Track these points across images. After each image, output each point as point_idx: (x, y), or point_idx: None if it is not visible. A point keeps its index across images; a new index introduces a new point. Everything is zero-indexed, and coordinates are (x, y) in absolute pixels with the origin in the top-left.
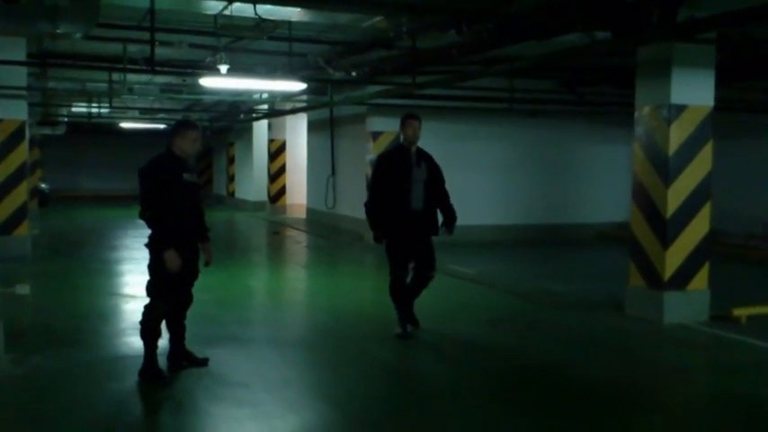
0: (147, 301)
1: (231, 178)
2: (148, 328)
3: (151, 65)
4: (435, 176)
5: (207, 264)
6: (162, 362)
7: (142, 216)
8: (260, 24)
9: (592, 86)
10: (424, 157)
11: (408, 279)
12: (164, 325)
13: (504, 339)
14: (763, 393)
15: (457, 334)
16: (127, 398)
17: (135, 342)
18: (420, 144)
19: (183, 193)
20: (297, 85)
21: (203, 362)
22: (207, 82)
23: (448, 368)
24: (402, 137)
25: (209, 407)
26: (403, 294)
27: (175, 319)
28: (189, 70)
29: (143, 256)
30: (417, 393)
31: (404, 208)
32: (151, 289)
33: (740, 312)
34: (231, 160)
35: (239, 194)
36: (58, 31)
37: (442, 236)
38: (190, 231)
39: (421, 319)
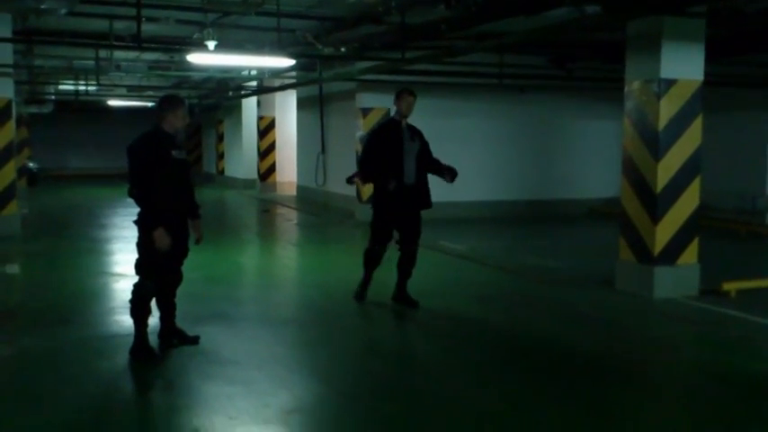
0: (136, 279)
1: (221, 156)
2: (138, 307)
3: (138, 41)
4: (425, 150)
5: (197, 241)
6: (153, 340)
7: (131, 194)
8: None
9: (581, 62)
10: (415, 131)
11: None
12: (154, 303)
13: (494, 315)
14: (753, 367)
15: (447, 310)
16: (118, 376)
17: (125, 321)
18: (410, 120)
19: (172, 171)
20: (285, 61)
21: (194, 340)
22: (195, 58)
23: (438, 344)
24: (395, 110)
25: (201, 384)
26: (374, 261)
27: (165, 298)
28: (176, 47)
29: (132, 234)
30: (408, 369)
31: (397, 181)
32: (140, 267)
33: (730, 287)
34: (220, 138)
35: (229, 172)
36: (43, 6)
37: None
38: (179, 209)
39: (411, 296)
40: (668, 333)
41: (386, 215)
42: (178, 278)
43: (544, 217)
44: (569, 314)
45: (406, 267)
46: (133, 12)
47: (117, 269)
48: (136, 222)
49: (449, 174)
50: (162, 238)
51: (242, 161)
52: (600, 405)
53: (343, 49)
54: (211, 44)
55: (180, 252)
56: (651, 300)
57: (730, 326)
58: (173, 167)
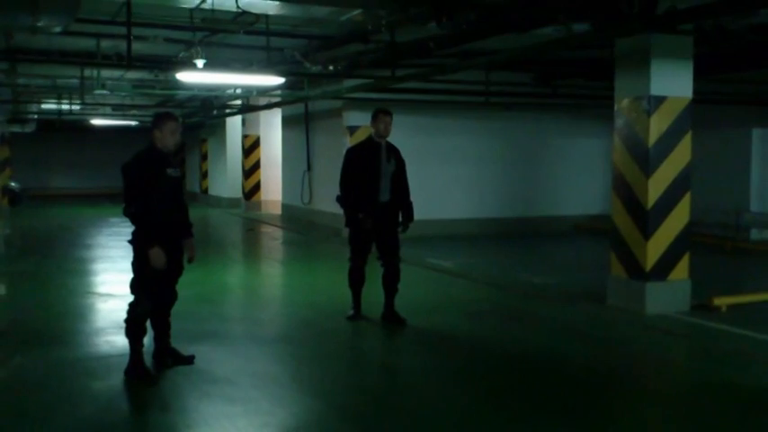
0: (130, 298)
1: (204, 175)
2: (134, 326)
3: (128, 60)
4: (400, 170)
5: (190, 260)
6: (147, 361)
7: (126, 213)
8: (238, 17)
9: (566, 79)
10: (393, 150)
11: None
12: (148, 323)
13: (486, 331)
14: (749, 381)
15: (439, 326)
16: (113, 397)
17: (117, 341)
18: (396, 138)
19: (167, 189)
20: (274, 80)
21: (189, 359)
22: (184, 76)
23: (431, 360)
24: (373, 131)
25: (199, 404)
26: (359, 281)
27: (160, 317)
28: (165, 65)
29: (118, 254)
30: (402, 385)
31: (372, 200)
32: (135, 286)
33: (721, 302)
34: (204, 156)
35: (213, 191)
36: (39, 24)
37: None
38: (174, 227)
39: (402, 312)
40: (662, 348)
41: (361, 231)
42: (173, 297)
43: (530, 233)
44: (562, 330)
45: (390, 283)
46: (120, 30)
47: (104, 289)
48: (130, 242)
49: (404, 225)
50: (158, 256)
51: (226, 180)
52: (597, 421)
53: (331, 68)
54: (200, 62)
55: (175, 271)
56: (643, 315)
57: (724, 340)
58: (167, 185)
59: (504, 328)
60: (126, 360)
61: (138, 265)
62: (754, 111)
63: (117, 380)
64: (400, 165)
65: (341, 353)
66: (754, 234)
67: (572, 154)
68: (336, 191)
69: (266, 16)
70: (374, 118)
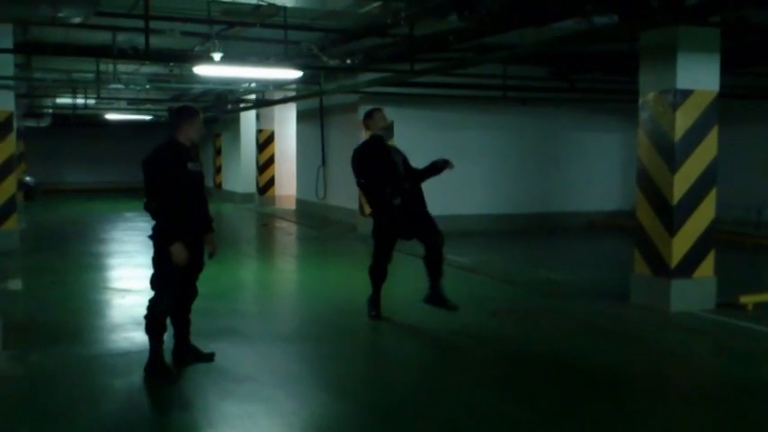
0: (148, 293)
1: (218, 170)
2: (154, 323)
3: (146, 53)
4: (406, 161)
5: (211, 255)
6: (167, 358)
7: (147, 207)
8: (258, 9)
9: (582, 74)
10: (393, 147)
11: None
12: (168, 320)
13: (508, 329)
14: None
15: (461, 324)
16: (133, 394)
17: (136, 337)
18: (412, 132)
19: (188, 183)
20: (292, 73)
21: (209, 357)
22: (201, 70)
23: (455, 359)
24: (373, 128)
25: (220, 403)
26: (380, 277)
27: (180, 314)
28: (183, 58)
29: (134, 249)
30: (427, 384)
31: (398, 188)
32: (156, 282)
33: (747, 300)
34: (218, 151)
35: (227, 186)
36: (60, 15)
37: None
38: (195, 223)
39: (423, 310)
40: (690, 347)
41: (389, 225)
42: (193, 293)
43: (545, 229)
44: (586, 329)
45: (435, 264)
46: (135, 24)
47: (121, 284)
48: (151, 237)
49: (442, 164)
50: (179, 252)
51: (240, 175)
52: (628, 423)
53: (348, 61)
54: (217, 56)
55: (195, 267)
56: (668, 313)
57: (752, 339)
58: (188, 180)
59: (526, 326)
60: (146, 357)
61: (159, 262)
62: None
63: (137, 377)
64: (405, 158)
65: (362, 351)
66: None
67: (588, 149)
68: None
69: (284, 8)
70: (369, 117)
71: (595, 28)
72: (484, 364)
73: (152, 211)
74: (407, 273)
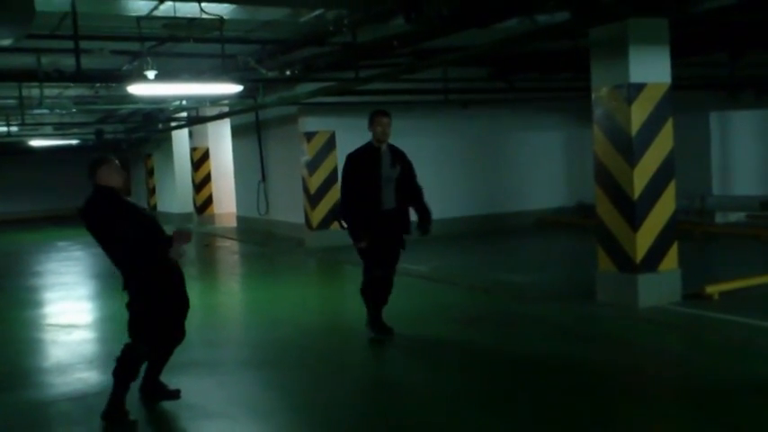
0: (96, 327)
1: (152, 191)
2: (126, 370)
3: (77, 75)
4: (408, 174)
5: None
6: (135, 396)
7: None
8: (193, 22)
9: (523, 73)
10: (397, 154)
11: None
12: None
13: (481, 338)
14: (757, 372)
15: (431, 336)
16: None
17: (90, 378)
18: (357, 141)
19: (148, 225)
20: (231, 88)
21: (176, 394)
22: (135, 89)
23: (431, 374)
24: (371, 135)
25: None
26: (377, 295)
27: (164, 354)
28: (116, 78)
29: (73, 281)
30: (414, 403)
31: (374, 208)
32: (134, 329)
33: (712, 290)
34: (150, 172)
35: (162, 207)
36: None
37: (415, 236)
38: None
39: (392, 324)
40: (665, 343)
41: (371, 241)
42: (181, 335)
43: (494, 231)
44: (558, 332)
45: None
46: (58, 45)
47: (64, 319)
48: (125, 288)
49: (422, 228)
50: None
51: (176, 195)
52: (611, 424)
53: (288, 72)
54: (151, 74)
55: (181, 307)
56: (637, 309)
57: (724, 329)
58: (145, 219)
59: (498, 333)
60: (103, 399)
61: (138, 308)
62: (710, 94)
63: (98, 423)
64: (407, 169)
65: (335, 373)
66: (719, 217)
67: (531, 148)
68: (298, 200)
69: (221, 20)
70: (371, 121)
71: (547, 26)
72: (461, 377)
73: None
74: None
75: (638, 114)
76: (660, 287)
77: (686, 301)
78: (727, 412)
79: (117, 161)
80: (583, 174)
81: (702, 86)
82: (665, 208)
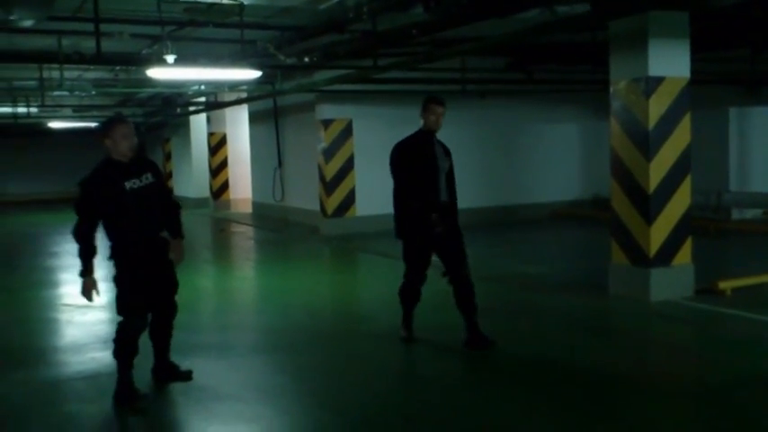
0: (111, 308)
1: (169, 175)
2: (124, 347)
3: (97, 57)
4: (451, 171)
5: (176, 263)
6: (147, 377)
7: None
8: (213, 7)
9: (541, 64)
10: (444, 147)
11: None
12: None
13: (494, 328)
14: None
15: (446, 327)
16: (109, 422)
17: (104, 357)
18: (374, 129)
19: (128, 204)
20: (250, 73)
21: (187, 375)
22: (155, 73)
23: (444, 365)
24: (422, 123)
25: (208, 426)
26: (413, 299)
27: (161, 332)
28: (136, 61)
29: None
30: (422, 391)
31: (434, 200)
32: (120, 305)
33: (725, 285)
34: (168, 157)
35: (178, 191)
36: (11, 17)
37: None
38: (153, 242)
39: (398, 312)
40: (676, 337)
41: (421, 241)
42: (173, 310)
43: (509, 222)
44: (571, 324)
45: (467, 300)
46: (79, 27)
47: (80, 300)
48: (110, 258)
49: (446, 223)
50: (86, 288)
51: (192, 180)
52: (629, 419)
53: (306, 59)
54: (171, 58)
55: (167, 285)
56: (649, 303)
57: (736, 325)
58: (127, 200)
59: (512, 325)
60: (116, 378)
61: (121, 283)
62: (729, 90)
63: (110, 402)
64: (451, 163)
65: (350, 360)
66: (735, 214)
67: (547, 140)
68: (313, 187)
69: (241, 6)
70: (425, 108)
71: (567, 17)
72: (474, 368)
73: (75, 235)
74: (375, 274)
75: (656, 108)
76: (673, 281)
77: (698, 296)
78: (737, 407)
79: (126, 123)
80: (599, 167)
81: (722, 82)
82: (680, 203)
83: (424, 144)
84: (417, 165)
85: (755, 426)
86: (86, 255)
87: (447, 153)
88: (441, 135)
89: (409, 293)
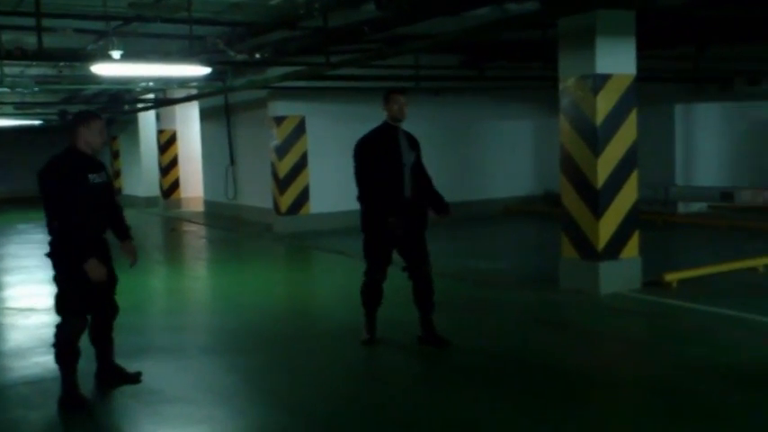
0: (51, 317)
1: (117, 174)
2: (65, 350)
3: (40, 53)
4: (419, 161)
5: (131, 265)
6: (90, 381)
7: (51, 227)
8: (160, 2)
9: (494, 62)
10: (411, 138)
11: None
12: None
13: (447, 323)
14: (719, 357)
15: (396, 322)
16: (55, 427)
17: (49, 361)
18: (325, 127)
19: (91, 197)
20: (199, 70)
21: (136, 377)
22: (99, 69)
23: (394, 360)
24: (387, 115)
25: (157, 429)
26: (375, 298)
27: (102, 333)
28: (81, 57)
29: (33, 264)
30: (373, 387)
31: (396, 197)
32: (62, 305)
33: (671, 277)
34: (115, 155)
35: (128, 190)
36: None
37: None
38: (99, 236)
39: (351, 308)
40: (624, 328)
41: (382, 236)
42: (113, 310)
43: (462, 218)
44: (524, 318)
45: (425, 297)
46: (21, 22)
47: (23, 303)
48: (49, 255)
49: (443, 213)
50: (96, 268)
51: (142, 178)
52: (577, 411)
53: (258, 56)
54: (116, 54)
55: (109, 282)
56: (598, 296)
57: (682, 316)
58: (90, 193)
59: (464, 319)
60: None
61: (62, 282)
62: (675, 87)
63: (56, 407)
64: (418, 154)
65: (299, 358)
66: (681, 207)
67: (500, 137)
68: (266, 185)
69: (188, 1)
70: (387, 100)
71: (517, 15)
72: (427, 362)
73: (56, 229)
74: (329, 272)
75: (604, 105)
76: (621, 274)
77: (646, 288)
78: (684, 396)
79: (103, 120)
80: (551, 162)
81: (668, 79)
82: (627, 197)
83: (388, 138)
84: (380, 161)
85: (701, 413)
86: (82, 238)
87: (413, 145)
88: None
89: (371, 292)
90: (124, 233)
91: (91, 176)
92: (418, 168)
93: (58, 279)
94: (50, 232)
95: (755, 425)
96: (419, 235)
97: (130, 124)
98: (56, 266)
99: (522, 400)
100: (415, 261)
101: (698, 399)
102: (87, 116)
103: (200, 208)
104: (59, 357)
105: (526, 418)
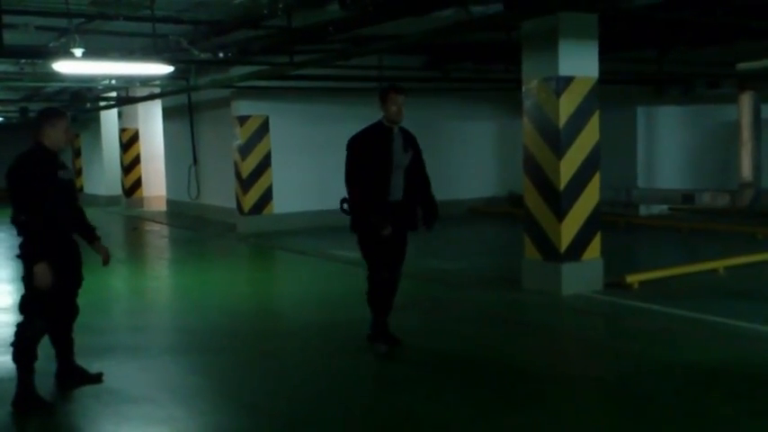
0: (16, 311)
1: (78, 172)
2: (24, 350)
3: (1, 50)
4: (418, 162)
5: (105, 263)
6: (50, 382)
7: (15, 221)
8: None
9: (458, 63)
10: (408, 138)
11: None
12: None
13: (409, 324)
14: (680, 357)
15: (359, 323)
16: (8, 429)
17: (5, 362)
18: (289, 126)
19: (59, 193)
20: (161, 68)
21: (97, 378)
22: (61, 67)
23: (359, 359)
24: (383, 114)
25: (117, 429)
26: (385, 301)
27: (62, 334)
28: (41, 55)
29: None
30: (333, 388)
31: (381, 199)
32: (27, 305)
33: (632, 279)
34: (77, 153)
35: (89, 189)
36: None
37: (419, 231)
38: (70, 235)
39: (315, 308)
40: (585, 329)
41: (375, 237)
42: (74, 311)
43: None
44: (487, 318)
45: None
46: None
47: None
48: (20, 256)
49: (427, 224)
50: (43, 274)
51: (104, 177)
52: (538, 410)
53: (221, 55)
54: (78, 51)
55: (74, 283)
56: (560, 297)
57: (643, 318)
58: (60, 189)
59: (427, 320)
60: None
61: (30, 282)
62: (637, 89)
63: (9, 408)
64: (417, 156)
65: (261, 358)
66: (642, 210)
67: (464, 138)
68: (229, 184)
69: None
70: (384, 99)
71: (481, 17)
72: (391, 363)
73: (21, 224)
74: (292, 271)
75: (566, 107)
76: (583, 276)
77: (607, 289)
78: (643, 396)
79: (68, 118)
80: (514, 164)
81: (630, 82)
82: (589, 199)
83: (381, 139)
84: (369, 162)
85: (659, 413)
86: (45, 236)
87: (410, 145)
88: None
89: (380, 294)
90: (91, 234)
91: (60, 173)
92: (415, 169)
93: (27, 279)
94: (16, 226)
95: (708, 424)
96: (402, 239)
97: (92, 122)
98: (25, 266)
99: (480, 397)
100: (392, 264)
101: (654, 398)
102: (52, 114)
103: (162, 207)
104: (17, 357)
105: (481, 416)
